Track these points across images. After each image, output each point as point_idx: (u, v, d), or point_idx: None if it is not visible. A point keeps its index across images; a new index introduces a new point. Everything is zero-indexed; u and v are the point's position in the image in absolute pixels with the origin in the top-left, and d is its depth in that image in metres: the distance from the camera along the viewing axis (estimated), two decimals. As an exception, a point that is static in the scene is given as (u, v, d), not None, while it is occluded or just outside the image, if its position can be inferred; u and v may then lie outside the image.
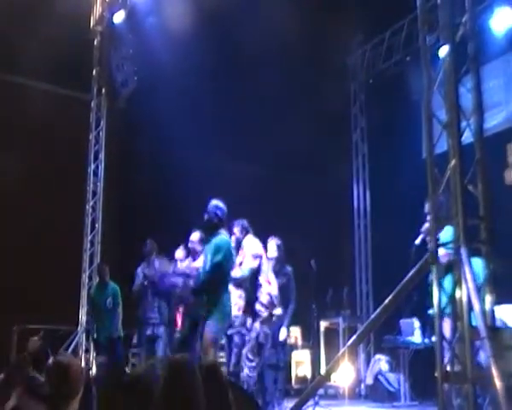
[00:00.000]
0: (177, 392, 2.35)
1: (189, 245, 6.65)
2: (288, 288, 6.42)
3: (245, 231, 5.81)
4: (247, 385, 5.30)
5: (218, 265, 5.10)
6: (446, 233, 3.69)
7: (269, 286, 5.73)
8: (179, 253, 7.07)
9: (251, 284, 5.66)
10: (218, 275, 5.14)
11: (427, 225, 4.32)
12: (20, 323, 8.53)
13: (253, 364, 5.45)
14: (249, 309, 5.64)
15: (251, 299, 5.65)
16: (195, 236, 6.58)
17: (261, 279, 5.70)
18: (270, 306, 5.70)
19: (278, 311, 5.88)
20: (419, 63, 3.93)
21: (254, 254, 5.72)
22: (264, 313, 5.66)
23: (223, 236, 5.25)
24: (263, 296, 5.66)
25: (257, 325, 5.62)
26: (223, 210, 5.34)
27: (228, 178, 8.56)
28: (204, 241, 5.98)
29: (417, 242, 4.83)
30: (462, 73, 3.66)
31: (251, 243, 5.78)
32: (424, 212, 4.28)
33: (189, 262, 6.70)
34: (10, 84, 9.32)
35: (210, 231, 5.32)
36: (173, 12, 7.98)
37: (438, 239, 3.57)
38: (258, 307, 5.63)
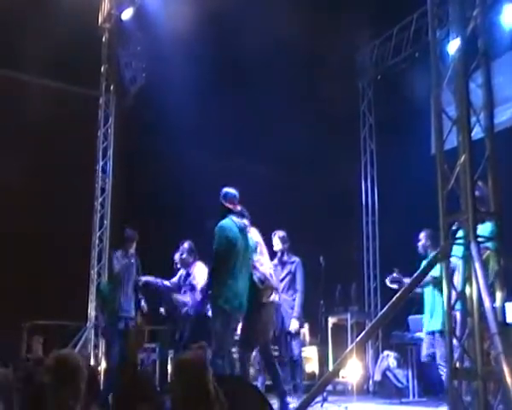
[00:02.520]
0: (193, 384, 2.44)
1: (181, 256, 6.65)
2: (294, 278, 6.46)
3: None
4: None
5: (215, 254, 5.02)
6: (485, 229, 3.66)
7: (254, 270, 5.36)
8: (177, 256, 7.10)
9: None
10: (217, 264, 5.04)
11: None
12: (30, 319, 8.59)
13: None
14: None
15: None
16: (184, 246, 6.59)
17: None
18: None
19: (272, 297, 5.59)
20: (427, 59, 3.91)
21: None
22: None
23: (222, 222, 5.09)
24: None
25: None
26: (227, 196, 5.21)
27: (236, 178, 8.53)
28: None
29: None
30: (472, 68, 3.64)
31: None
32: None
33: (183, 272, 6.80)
34: (18, 82, 9.36)
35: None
36: (182, 9, 7.98)
37: (454, 235, 3.55)
38: None
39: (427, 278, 5.73)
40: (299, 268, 6.55)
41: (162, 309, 7.23)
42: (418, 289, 6.14)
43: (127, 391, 2.96)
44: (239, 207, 5.25)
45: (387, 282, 6.33)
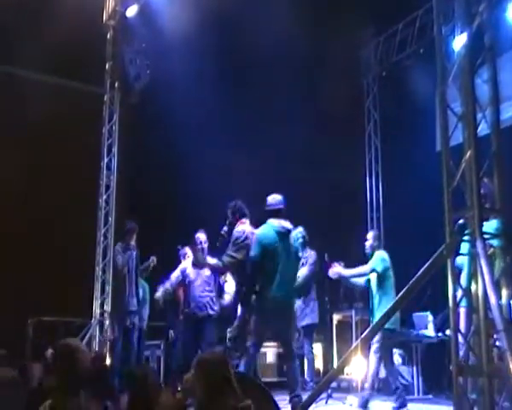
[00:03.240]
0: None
1: (200, 246, 6.44)
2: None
3: (238, 214, 5.43)
4: None
5: (250, 261, 5.08)
6: (490, 226, 3.65)
7: None
8: (188, 250, 7.09)
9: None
10: (253, 271, 5.07)
11: None
12: (35, 315, 8.63)
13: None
14: None
15: None
16: (203, 236, 6.52)
17: None
18: None
19: None
20: (432, 55, 3.89)
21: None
22: None
23: (258, 230, 5.18)
24: None
25: None
26: (268, 202, 5.26)
27: (241, 174, 8.58)
28: None
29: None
30: (478, 64, 3.62)
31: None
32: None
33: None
34: (23, 79, 9.39)
35: None
36: (186, 6, 7.97)
37: (463, 231, 3.54)
38: None
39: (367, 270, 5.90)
40: (310, 258, 6.66)
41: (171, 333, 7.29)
42: (360, 282, 6.23)
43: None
44: (281, 206, 5.25)
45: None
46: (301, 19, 8.26)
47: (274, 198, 5.28)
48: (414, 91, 9.01)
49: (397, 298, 3.94)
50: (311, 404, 4.21)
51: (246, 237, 5.23)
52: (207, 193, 8.45)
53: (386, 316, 4.24)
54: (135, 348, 7.28)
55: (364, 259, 9.74)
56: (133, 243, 7.22)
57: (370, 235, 6.31)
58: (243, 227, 5.32)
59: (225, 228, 5.41)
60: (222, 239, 5.42)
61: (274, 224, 5.15)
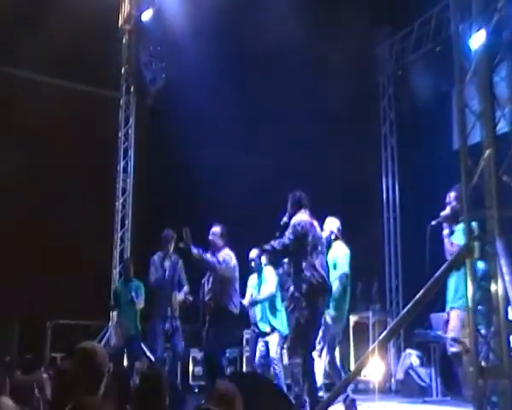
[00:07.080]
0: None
1: (210, 237, 6.39)
2: None
3: (297, 206, 5.42)
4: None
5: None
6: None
7: None
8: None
9: None
10: None
11: (447, 210, 4.99)
12: (54, 319, 8.71)
13: None
14: None
15: None
16: (217, 229, 6.48)
17: None
18: None
19: None
20: (449, 54, 3.85)
21: None
22: None
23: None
24: None
25: None
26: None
27: (256, 174, 8.57)
28: None
29: (433, 223, 5.04)
30: (496, 61, 3.58)
31: None
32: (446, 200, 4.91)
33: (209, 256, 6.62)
34: (39, 84, 9.49)
35: None
36: (201, 9, 8.00)
37: (473, 231, 3.50)
38: None
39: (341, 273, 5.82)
40: None
41: None
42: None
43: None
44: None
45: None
46: (316, 17, 8.25)
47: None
48: (430, 90, 8.94)
49: (415, 299, 3.89)
50: (329, 406, 4.18)
51: (302, 227, 5.16)
52: (224, 194, 8.47)
53: (404, 318, 4.19)
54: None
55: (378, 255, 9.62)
56: (171, 251, 7.11)
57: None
58: (301, 217, 5.24)
59: (285, 219, 5.36)
60: (281, 230, 5.34)
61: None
